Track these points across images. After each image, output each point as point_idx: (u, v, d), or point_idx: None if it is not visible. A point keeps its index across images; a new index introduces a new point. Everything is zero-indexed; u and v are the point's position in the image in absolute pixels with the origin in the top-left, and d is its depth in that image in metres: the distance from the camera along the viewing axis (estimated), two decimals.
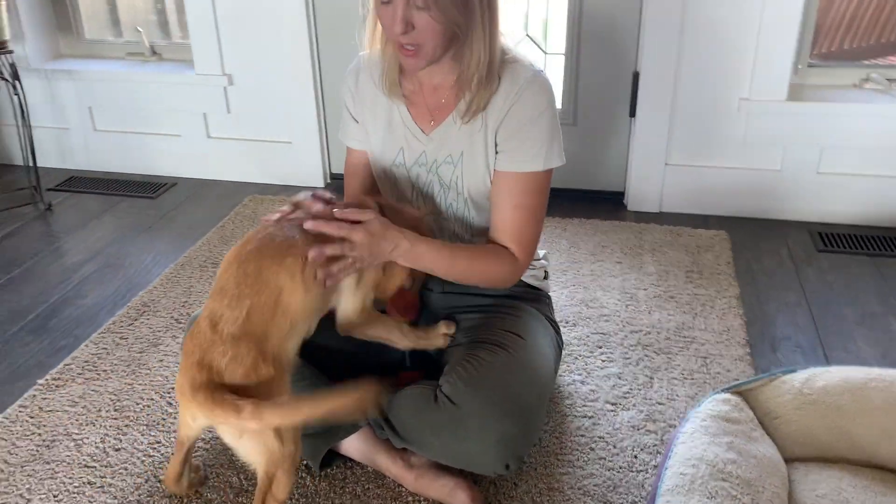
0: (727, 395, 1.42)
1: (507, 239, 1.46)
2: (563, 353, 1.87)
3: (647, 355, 1.86)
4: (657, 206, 2.64)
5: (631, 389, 1.74)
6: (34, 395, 1.76)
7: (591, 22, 2.50)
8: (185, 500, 1.45)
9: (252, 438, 1.19)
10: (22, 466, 1.55)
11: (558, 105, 2.61)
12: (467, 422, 1.31)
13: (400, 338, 1.45)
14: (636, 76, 2.49)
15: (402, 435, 1.42)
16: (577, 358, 1.86)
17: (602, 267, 2.27)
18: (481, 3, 1.33)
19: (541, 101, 1.41)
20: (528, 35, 2.60)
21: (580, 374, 1.80)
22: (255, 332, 1.18)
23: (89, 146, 3.05)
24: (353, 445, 1.48)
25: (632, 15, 2.45)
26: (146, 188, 2.91)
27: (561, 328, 1.95)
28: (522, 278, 1.64)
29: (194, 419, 1.24)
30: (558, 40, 2.56)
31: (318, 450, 1.47)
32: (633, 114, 2.56)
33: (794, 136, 2.44)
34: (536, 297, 1.68)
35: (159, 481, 1.50)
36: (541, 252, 1.70)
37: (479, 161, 1.45)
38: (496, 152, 1.45)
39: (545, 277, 1.72)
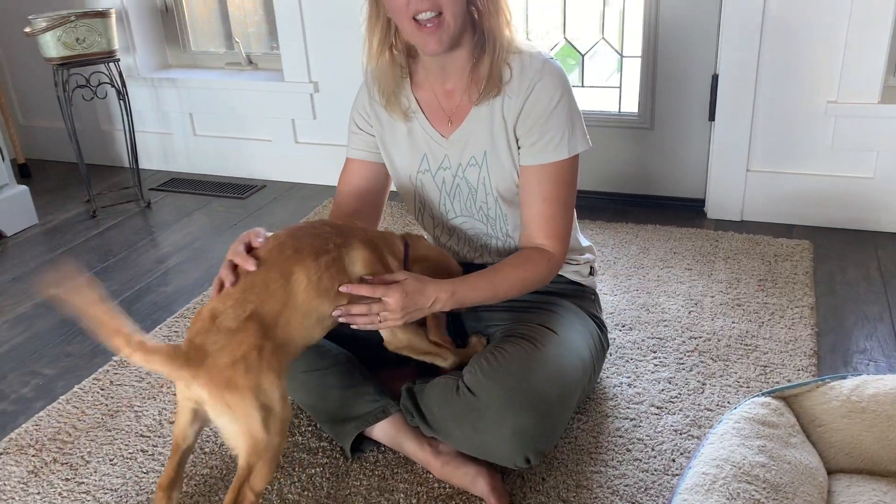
0: (767, 399, 1.35)
1: (540, 234, 1.45)
2: (613, 355, 1.82)
3: (702, 361, 1.79)
4: (738, 215, 2.53)
5: (680, 394, 1.68)
6: (107, 370, 1.90)
7: (668, 23, 2.44)
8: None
9: (238, 423, 1.16)
10: (87, 432, 1.67)
11: (633, 109, 2.59)
12: (484, 413, 1.31)
13: (442, 362, 1.50)
14: (715, 79, 2.41)
15: (430, 423, 1.43)
16: (627, 361, 1.81)
17: (670, 273, 2.20)
18: None
19: (555, 91, 1.40)
20: (603, 38, 2.57)
21: (628, 377, 1.75)
22: (255, 329, 1.20)
23: (189, 150, 3.26)
24: (384, 430, 1.51)
25: (710, 15, 2.38)
26: (237, 189, 3.08)
27: (616, 332, 1.92)
28: (564, 274, 1.63)
29: (188, 387, 1.19)
30: (634, 43, 2.52)
31: (350, 434, 1.50)
32: (712, 118, 2.47)
33: (888, 141, 2.29)
34: (580, 294, 1.66)
35: (204, 453, 1.58)
36: (584, 242, 1.67)
37: (503, 159, 1.46)
38: (518, 148, 1.46)
39: (591, 273, 1.70)
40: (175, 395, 1.40)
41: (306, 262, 1.26)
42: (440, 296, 1.36)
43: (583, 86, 2.69)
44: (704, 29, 2.40)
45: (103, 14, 2.69)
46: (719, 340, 1.87)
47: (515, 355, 1.38)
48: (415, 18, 1.31)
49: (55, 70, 2.70)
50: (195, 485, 1.49)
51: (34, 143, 3.51)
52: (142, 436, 1.65)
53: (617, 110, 2.65)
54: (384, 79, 1.48)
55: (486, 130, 1.46)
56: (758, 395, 1.36)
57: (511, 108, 1.43)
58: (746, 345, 1.84)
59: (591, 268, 1.71)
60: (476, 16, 1.39)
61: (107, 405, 1.76)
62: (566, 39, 2.62)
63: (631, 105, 2.60)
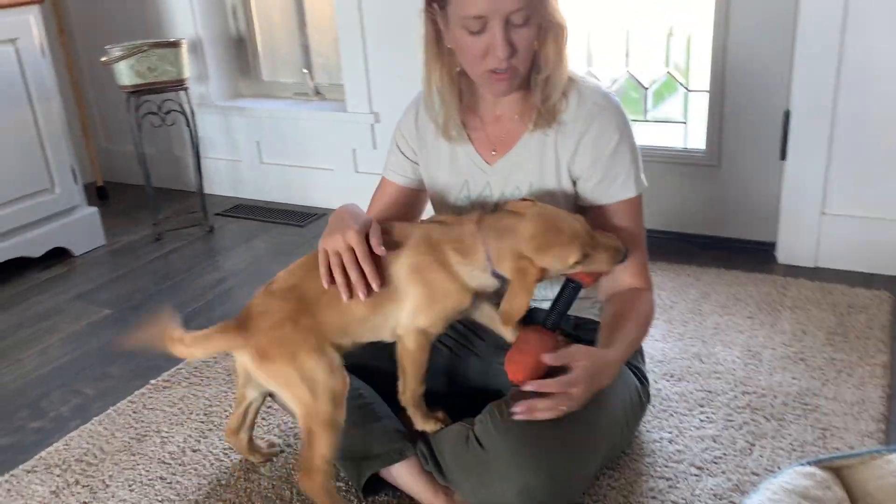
0: (812, 469, 1.22)
1: (628, 275, 1.43)
2: (656, 407, 1.70)
3: (754, 419, 1.65)
4: (812, 261, 2.36)
5: (725, 454, 1.54)
6: (143, 393, 1.91)
7: (738, 57, 2.31)
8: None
9: (282, 389, 1.28)
10: (113, 455, 1.68)
11: (701, 145, 2.46)
12: (491, 466, 1.23)
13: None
14: (787, 115, 2.26)
15: (444, 471, 1.36)
16: (671, 415, 1.68)
17: (730, 321, 2.06)
18: (564, 33, 1.32)
19: (615, 130, 1.35)
20: (668, 72, 2.47)
21: (670, 432, 1.62)
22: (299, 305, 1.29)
23: (256, 177, 3.31)
24: (400, 474, 1.44)
25: (782, 48, 2.24)
26: (298, 217, 3.10)
27: (663, 382, 1.80)
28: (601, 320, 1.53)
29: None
30: (702, 76, 2.40)
31: (363, 474, 1.44)
32: (783, 156, 2.32)
33: None
34: None
35: (220, 485, 1.55)
36: None
37: (550, 193, 1.41)
38: (574, 184, 1.39)
39: None
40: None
41: None
42: (614, 371, 1.30)
43: (646, 120, 2.59)
44: (776, 61, 2.27)
45: (174, 44, 2.78)
46: (775, 397, 1.72)
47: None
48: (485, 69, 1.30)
49: (128, 97, 2.80)
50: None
51: (114, 166, 3.66)
52: (164, 462, 1.64)
53: (682, 146, 2.53)
54: (444, 100, 1.43)
55: (536, 162, 1.41)
56: (802, 464, 1.23)
57: (566, 144, 1.38)
58: (806, 404, 1.69)
59: None
60: (540, 61, 1.35)
61: (136, 429, 1.77)
62: (629, 72, 2.53)
63: (697, 141, 2.48)
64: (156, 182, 3.28)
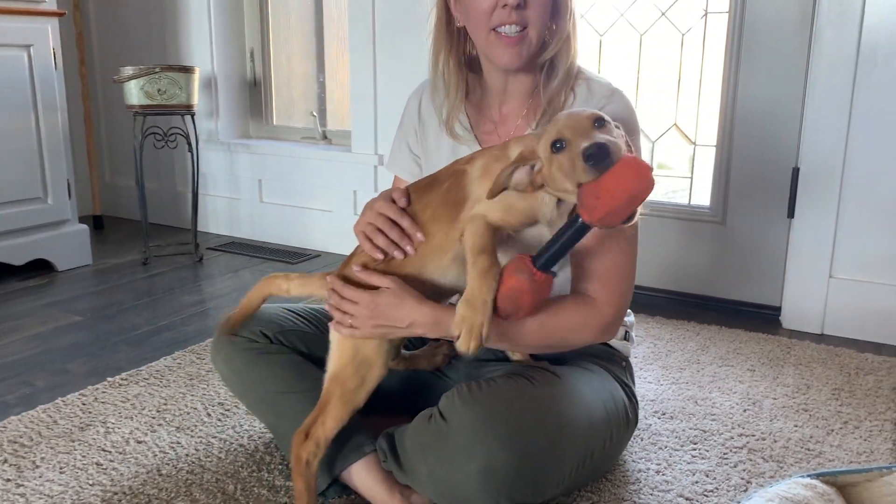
0: (814, 482, 1.08)
1: (587, 276, 1.24)
2: (644, 440, 1.56)
3: (751, 459, 1.50)
4: (819, 327, 2.24)
5: (717, 488, 1.39)
6: (97, 388, 1.78)
7: (746, 111, 2.29)
8: (174, 500, 1.34)
9: (338, 343, 1.24)
10: (50, 440, 1.54)
11: (705, 202, 2.41)
12: (452, 440, 1.10)
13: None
14: (796, 172, 2.21)
15: (403, 465, 1.22)
16: (661, 448, 1.54)
17: (729, 371, 1.93)
18: (572, 5, 1.30)
19: (622, 114, 1.28)
20: (675, 124, 2.44)
21: (658, 464, 1.48)
22: None
23: (254, 216, 3.27)
24: (358, 474, 1.30)
25: (792, 104, 2.22)
26: (291, 255, 3.03)
27: (653, 419, 1.67)
28: None
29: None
30: (709, 131, 2.37)
31: (322, 476, 1.30)
32: (791, 215, 2.25)
33: None
34: (608, 356, 1.44)
35: (160, 475, 1.41)
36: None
37: None
38: None
39: (626, 338, 1.48)
40: None
41: None
42: (418, 320, 1.18)
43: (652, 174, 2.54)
44: (786, 117, 2.24)
45: (187, 69, 2.80)
46: (776, 441, 1.57)
47: (504, 387, 1.17)
48: (494, 29, 1.26)
49: (134, 116, 2.80)
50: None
51: (115, 201, 3.63)
52: (103, 450, 1.50)
53: (687, 202, 2.47)
54: (449, 87, 1.39)
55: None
56: (803, 476, 1.09)
57: None
58: (809, 450, 1.54)
59: (627, 333, 1.50)
60: (547, 39, 1.31)
61: (81, 418, 1.64)
62: None
63: (702, 197, 2.42)
64: (154, 218, 3.26)
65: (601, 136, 0.99)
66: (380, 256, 1.21)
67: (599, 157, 0.96)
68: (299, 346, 1.42)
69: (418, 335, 1.21)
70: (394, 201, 1.23)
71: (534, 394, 1.17)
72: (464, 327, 1.04)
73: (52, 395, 1.75)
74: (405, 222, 1.21)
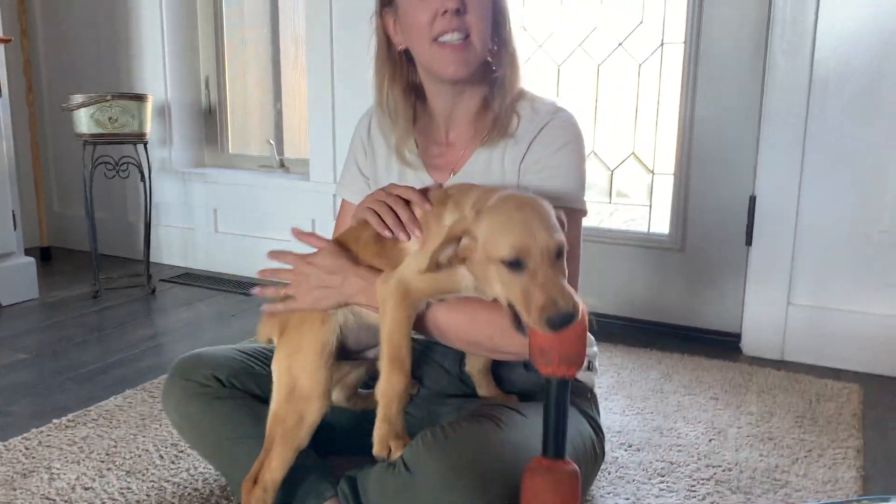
0: None
1: None
2: (611, 474, 1.54)
3: (718, 491, 1.48)
4: (779, 353, 2.26)
5: None
6: (42, 431, 1.70)
7: (703, 140, 2.31)
8: None
9: (276, 376, 1.21)
10: None
11: (664, 230, 2.42)
12: (418, 492, 1.06)
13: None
14: (753, 200, 2.24)
15: None
16: (628, 482, 1.52)
17: (693, 400, 1.92)
18: (510, 22, 1.30)
19: (565, 132, 1.29)
20: (633, 153, 2.46)
21: (626, 499, 1.45)
22: None
23: (209, 246, 3.19)
24: None
25: (748, 133, 2.25)
26: (246, 286, 2.96)
27: (620, 451, 1.65)
28: None
29: None
30: (667, 159, 2.39)
31: None
32: (749, 242, 2.27)
33: None
34: (572, 389, 1.41)
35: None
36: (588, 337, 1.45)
37: None
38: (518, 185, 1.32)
39: (589, 368, 1.46)
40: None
41: None
42: (350, 279, 1.16)
43: (610, 202, 2.55)
44: (742, 146, 2.27)
45: (140, 97, 2.74)
46: (742, 472, 1.56)
47: (470, 432, 1.13)
48: (437, 40, 1.24)
49: (84, 145, 2.72)
50: None
51: (63, 230, 3.52)
52: (47, 498, 1.42)
53: (646, 230, 2.48)
54: (396, 115, 1.37)
55: (481, 178, 1.32)
56: None
57: (516, 150, 1.32)
58: (775, 479, 1.53)
59: (591, 363, 1.47)
60: (489, 60, 1.31)
61: (24, 464, 1.55)
62: (595, 153, 2.51)
63: (661, 225, 2.43)
64: (105, 249, 3.16)
65: (567, 289, 0.95)
66: (388, 234, 1.18)
67: (561, 325, 0.94)
68: (253, 388, 1.37)
69: (354, 303, 1.19)
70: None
71: (502, 438, 1.13)
72: (385, 446, 1.09)
73: None
74: (416, 197, 1.19)
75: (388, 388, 1.10)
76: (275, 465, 1.18)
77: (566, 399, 1.01)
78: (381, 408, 1.11)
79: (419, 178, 1.39)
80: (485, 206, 1.04)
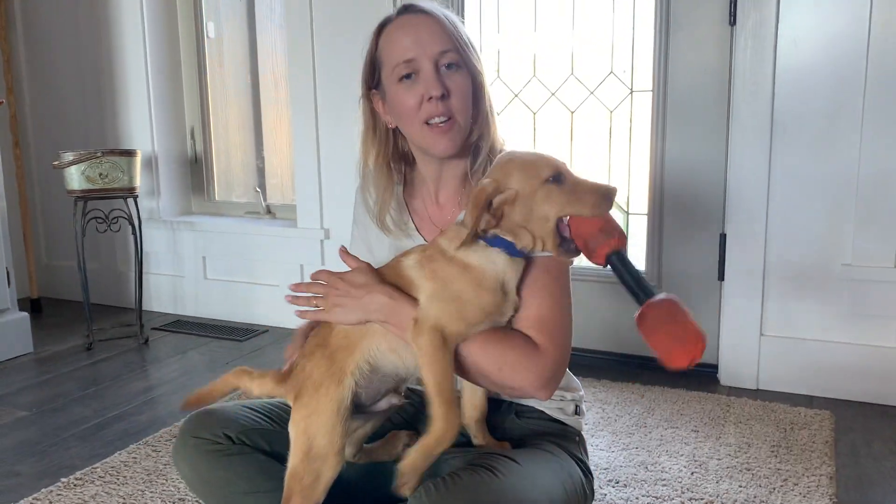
0: None
1: (527, 327, 1.30)
2: None
3: None
4: (754, 382, 2.37)
5: None
6: (51, 491, 1.75)
7: (675, 181, 2.44)
8: None
9: (293, 439, 1.25)
10: None
11: (640, 267, 2.52)
12: None
13: None
14: (723, 238, 2.36)
15: None
16: None
17: (675, 434, 2.02)
18: (488, 94, 1.39)
19: None
20: None
21: None
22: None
23: (199, 293, 3.25)
24: None
25: (716, 173, 2.38)
26: (239, 332, 3.02)
27: (608, 488, 1.73)
28: (545, 410, 1.48)
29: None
30: (640, 200, 2.51)
31: None
32: (721, 277, 2.39)
33: None
34: (561, 434, 1.50)
35: None
36: (572, 378, 1.54)
37: None
38: None
39: (576, 412, 1.55)
40: None
41: None
42: (375, 296, 1.23)
43: None
44: (711, 185, 2.39)
45: (129, 153, 2.81)
46: (723, 503, 1.66)
47: (470, 484, 1.21)
48: (426, 122, 1.33)
49: (75, 202, 2.78)
50: None
51: (53, 282, 3.56)
52: None
53: None
54: (377, 184, 1.46)
55: None
56: None
57: None
58: None
59: (578, 407, 1.56)
60: (472, 123, 1.40)
61: None
62: None
63: (638, 263, 2.54)
64: (95, 298, 3.20)
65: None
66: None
67: (612, 199, 1.14)
68: (262, 444, 1.44)
69: (373, 319, 1.24)
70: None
71: (499, 486, 1.21)
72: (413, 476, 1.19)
73: (4, 501, 1.71)
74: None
75: (446, 428, 1.18)
76: None
77: (629, 261, 1.18)
78: (429, 444, 1.18)
79: (415, 244, 1.47)
80: (499, 163, 1.20)
